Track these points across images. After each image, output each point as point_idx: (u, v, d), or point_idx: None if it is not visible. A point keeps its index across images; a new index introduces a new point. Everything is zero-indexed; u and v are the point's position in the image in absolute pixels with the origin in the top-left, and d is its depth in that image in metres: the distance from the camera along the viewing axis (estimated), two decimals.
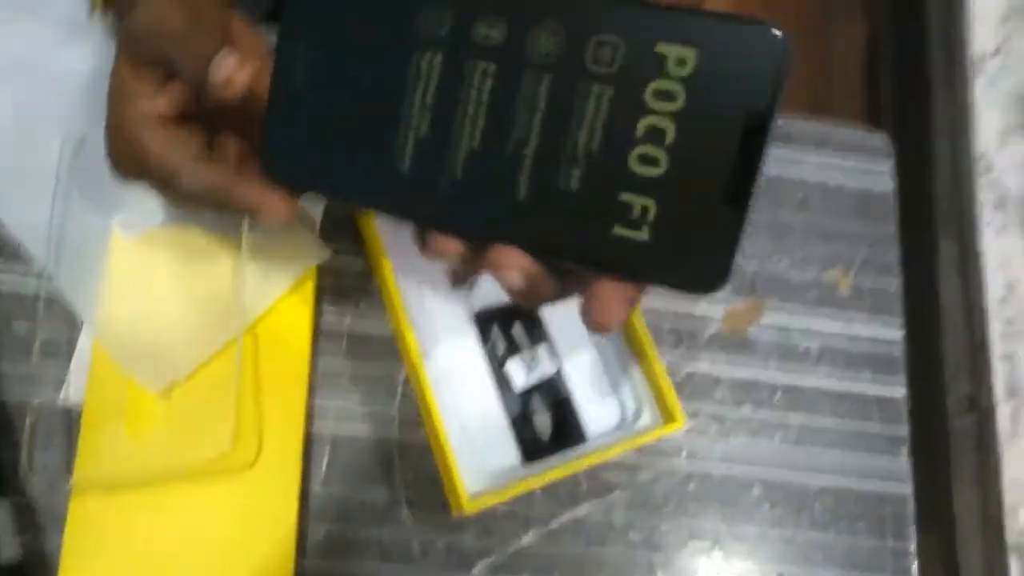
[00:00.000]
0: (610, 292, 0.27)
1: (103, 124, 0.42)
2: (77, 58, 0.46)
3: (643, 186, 0.25)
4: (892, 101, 1.23)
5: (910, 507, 0.46)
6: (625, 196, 0.26)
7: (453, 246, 0.28)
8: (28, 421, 0.40)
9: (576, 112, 0.26)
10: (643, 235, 0.26)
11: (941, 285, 0.99)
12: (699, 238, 0.25)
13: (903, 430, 0.48)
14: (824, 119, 0.54)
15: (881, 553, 0.45)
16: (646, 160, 0.25)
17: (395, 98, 0.27)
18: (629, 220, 0.26)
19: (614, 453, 0.39)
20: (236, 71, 0.31)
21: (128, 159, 0.34)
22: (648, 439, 0.40)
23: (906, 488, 0.47)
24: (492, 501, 0.37)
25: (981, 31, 0.99)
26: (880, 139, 0.54)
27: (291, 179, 0.30)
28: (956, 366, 0.93)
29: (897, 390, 0.48)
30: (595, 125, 0.26)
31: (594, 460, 0.39)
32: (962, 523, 0.90)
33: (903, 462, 0.47)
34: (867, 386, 0.48)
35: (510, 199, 0.27)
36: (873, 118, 1.26)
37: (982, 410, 0.88)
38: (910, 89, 1.14)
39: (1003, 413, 0.85)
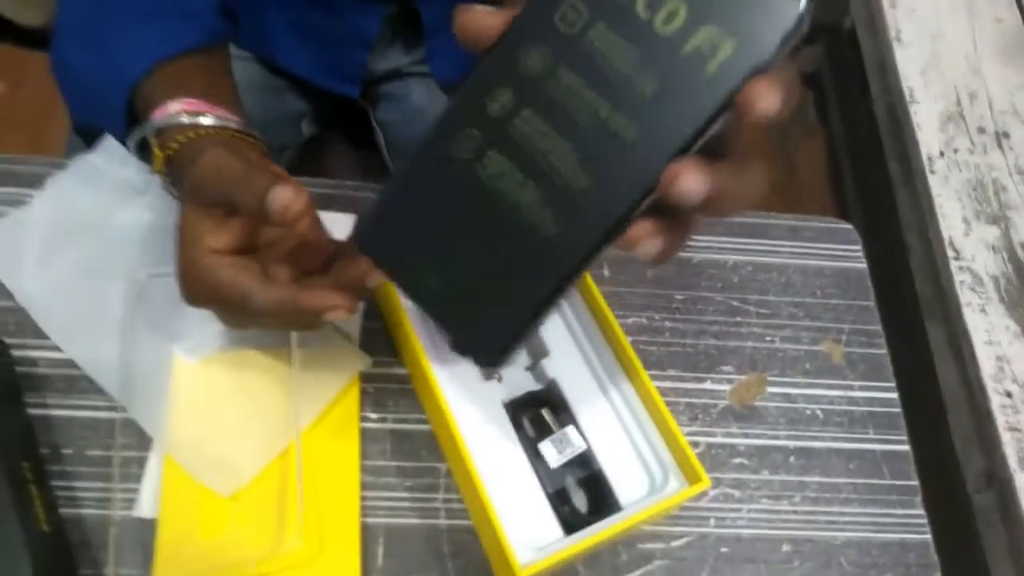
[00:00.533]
0: None
1: (161, 269, 0.49)
2: (133, 216, 0.53)
3: None
4: (857, 202, 1.33)
5: (932, 552, 0.49)
6: None
7: None
8: (107, 535, 0.43)
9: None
10: None
11: (938, 368, 1.04)
12: None
13: (913, 480, 0.51)
14: (794, 215, 0.61)
15: None
16: None
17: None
18: None
19: (649, 514, 0.42)
20: (292, 200, 0.37)
21: (202, 289, 0.40)
22: (678, 500, 0.43)
23: (926, 535, 0.49)
24: (545, 564, 0.40)
25: (926, 137, 1.10)
26: (846, 228, 0.60)
27: (371, 250, 0.34)
28: (966, 443, 0.96)
29: (901, 445, 0.52)
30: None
31: (632, 522, 0.42)
32: None
33: (918, 510, 0.50)
34: (873, 444, 0.52)
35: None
36: (842, 216, 1.35)
37: (1001, 483, 0.90)
38: (873, 191, 1.23)
39: (1020, 483, 0.87)
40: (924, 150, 1.08)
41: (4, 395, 0.45)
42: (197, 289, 0.40)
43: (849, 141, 1.46)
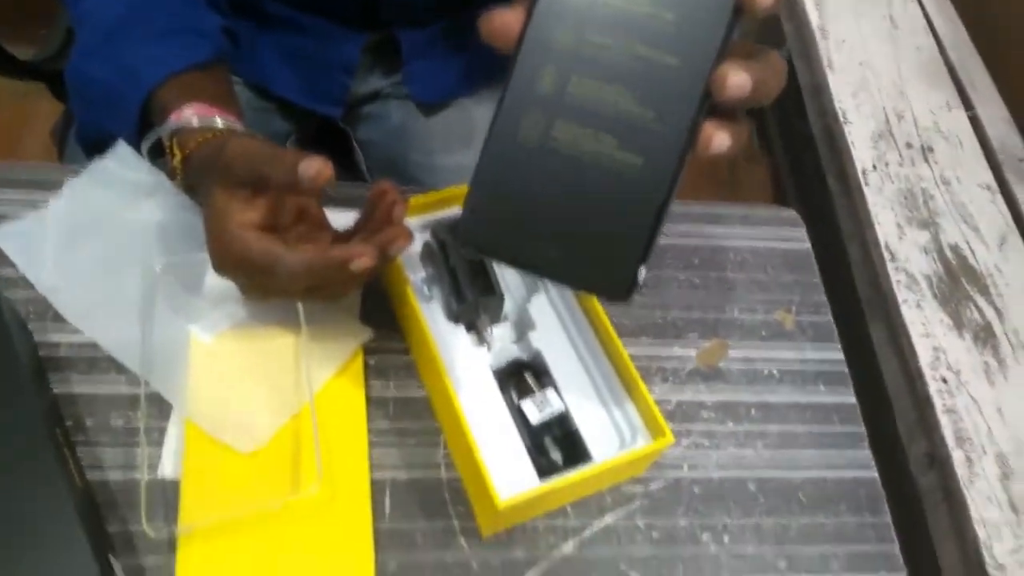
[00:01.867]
0: None
1: (175, 258, 0.53)
2: (145, 214, 0.57)
3: None
4: (801, 214, 1.43)
5: (879, 488, 0.55)
6: None
7: None
8: (138, 493, 0.46)
9: None
10: None
11: (881, 363, 1.11)
12: None
13: (860, 428, 0.57)
14: (745, 204, 0.68)
15: (863, 528, 0.53)
16: None
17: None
18: None
19: (615, 464, 0.47)
20: (323, 166, 0.42)
21: (232, 259, 0.45)
22: (643, 453, 0.48)
23: (873, 473, 0.55)
24: (520, 499, 0.44)
25: (860, 153, 1.19)
26: (790, 214, 0.67)
27: (478, 243, 0.37)
28: (910, 429, 1.03)
29: (848, 397, 0.58)
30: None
31: (598, 470, 0.46)
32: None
33: (866, 453, 0.56)
34: (824, 397, 0.58)
35: None
36: None
37: (941, 462, 0.97)
38: (815, 208, 1.33)
39: (958, 459, 0.94)
40: (859, 165, 1.18)
41: (31, 373, 0.49)
42: (228, 256, 0.45)
43: (791, 163, 1.56)
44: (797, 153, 1.51)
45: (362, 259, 0.43)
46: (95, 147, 0.59)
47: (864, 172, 1.17)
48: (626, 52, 0.34)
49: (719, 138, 0.34)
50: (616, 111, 0.34)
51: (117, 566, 0.44)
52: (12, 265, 0.53)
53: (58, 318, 0.52)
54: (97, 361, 0.51)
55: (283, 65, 0.76)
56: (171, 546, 0.45)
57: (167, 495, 0.47)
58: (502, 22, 0.35)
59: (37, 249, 0.54)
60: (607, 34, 0.34)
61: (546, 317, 0.55)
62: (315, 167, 0.42)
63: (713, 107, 0.34)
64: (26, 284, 0.53)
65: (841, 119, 1.22)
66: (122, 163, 0.57)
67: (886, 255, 1.10)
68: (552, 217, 0.35)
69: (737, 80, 0.33)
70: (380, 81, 0.80)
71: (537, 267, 0.36)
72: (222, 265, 0.46)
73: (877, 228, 1.12)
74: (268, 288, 0.46)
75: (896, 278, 1.08)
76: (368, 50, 0.76)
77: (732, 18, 0.33)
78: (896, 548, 0.52)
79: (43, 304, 0.53)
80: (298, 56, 0.75)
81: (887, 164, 1.18)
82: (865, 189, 1.16)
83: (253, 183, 0.45)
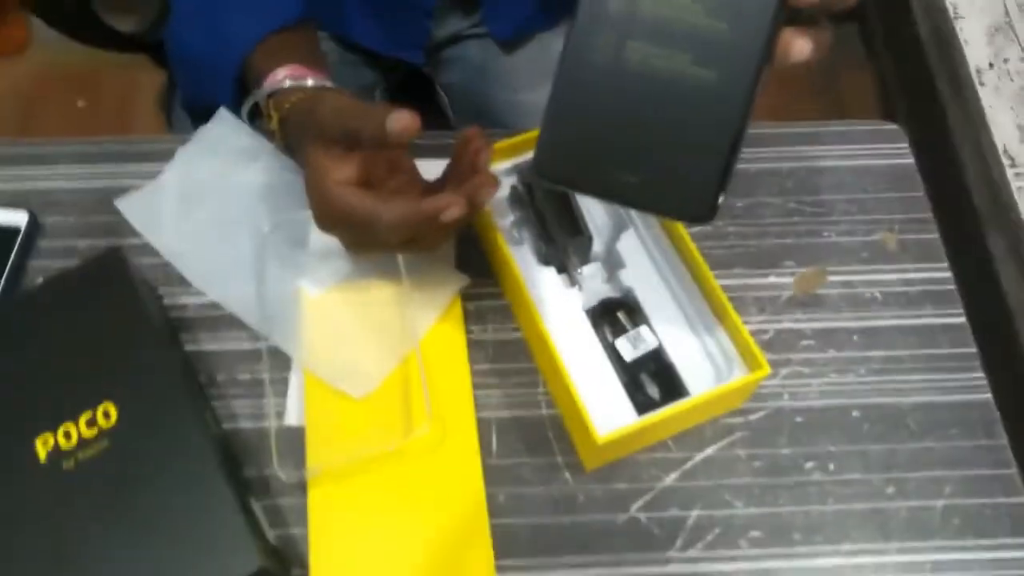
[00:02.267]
0: None
1: (282, 217, 0.56)
2: (250, 178, 0.60)
3: None
4: (908, 126, 1.34)
5: (993, 411, 0.53)
6: None
7: None
8: (265, 442, 0.50)
9: None
10: None
11: (1002, 277, 1.06)
12: None
13: (971, 347, 0.55)
14: (842, 120, 0.65)
15: (978, 452, 0.52)
16: None
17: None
18: None
19: (712, 397, 0.47)
20: (411, 119, 0.43)
21: (333, 214, 0.47)
22: (740, 384, 0.48)
23: (987, 394, 0.54)
24: (619, 434, 0.46)
25: (973, 51, 1.11)
26: (891, 128, 0.64)
27: (555, 175, 0.36)
28: None
29: (958, 318, 0.56)
30: None
31: (695, 403, 0.47)
32: None
33: (978, 375, 0.54)
34: (930, 319, 0.56)
35: None
36: None
37: None
38: (925, 114, 1.25)
39: None
40: (972, 64, 1.10)
41: (167, 333, 0.53)
42: (329, 214, 0.47)
43: (898, 69, 1.46)
44: (905, 57, 1.42)
45: (452, 209, 0.44)
46: (200, 113, 0.62)
47: (979, 72, 1.09)
48: None
49: (799, 45, 0.33)
50: (688, 26, 0.33)
51: (257, 507, 0.48)
52: (137, 235, 0.58)
53: (183, 281, 0.57)
54: (221, 320, 0.56)
55: (364, 14, 0.77)
56: (302, 487, 0.49)
57: (295, 441, 0.51)
58: None
59: (157, 217, 0.59)
60: None
61: (636, 254, 0.55)
62: (403, 121, 0.43)
63: (793, 14, 0.33)
64: (152, 251, 0.57)
65: (952, 14, 1.13)
66: (226, 128, 0.60)
67: (1005, 160, 1.03)
68: (629, 142, 0.34)
69: None
70: (460, 22, 0.80)
71: (615, 195, 0.36)
72: (324, 222, 0.48)
73: (994, 131, 1.05)
74: (368, 242, 0.49)
75: (1017, 184, 1.01)
76: None
77: None
78: (1015, 471, 0.51)
79: (169, 269, 0.57)
80: (378, 5, 0.76)
81: (1006, 61, 1.10)
82: (980, 90, 1.08)
83: (346, 140, 0.47)
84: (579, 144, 0.35)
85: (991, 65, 1.09)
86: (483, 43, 0.81)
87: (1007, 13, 1.13)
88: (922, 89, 1.26)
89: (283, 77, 0.53)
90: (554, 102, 0.35)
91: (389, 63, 0.82)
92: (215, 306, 0.56)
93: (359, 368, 0.52)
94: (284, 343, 0.54)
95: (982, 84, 1.08)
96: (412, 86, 0.87)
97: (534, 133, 0.55)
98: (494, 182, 0.47)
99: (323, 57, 0.57)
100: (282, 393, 0.53)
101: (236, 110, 0.58)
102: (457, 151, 0.50)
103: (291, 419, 0.52)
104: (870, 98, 1.50)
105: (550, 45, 0.80)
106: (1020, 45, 1.11)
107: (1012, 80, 1.08)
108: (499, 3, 0.77)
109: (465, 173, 0.48)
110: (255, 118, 0.58)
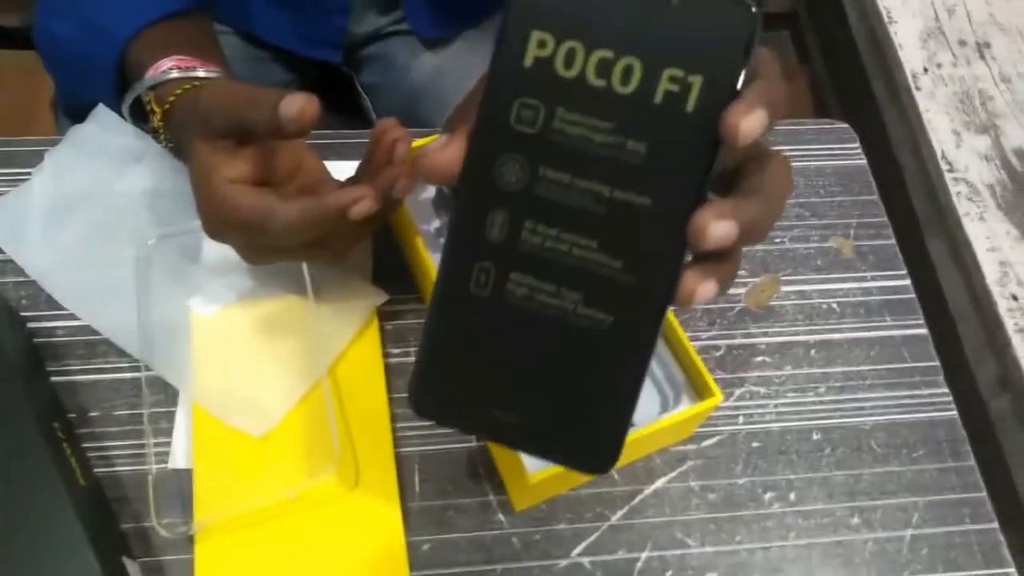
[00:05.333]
0: None
1: (169, 229, 0.49)
2: (134, 182, 0.52)
3: None
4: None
5: (960, 430, 0.49)
6: None
7: None
8: (147, 488, 0.43)
9: None
10: None
11: (943, 282, 1.04)
12: None
13: (934, 361, 0.51)
14: (791, 120, 0.61)
15: (945, 475, 0.48)
16: None
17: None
18: None
19: (654, 430, 0.42)
20: (307, 102, 0.37)
21: (223, 219, 0.40)
22: (686, 416, 0.43)
23: (952, 412, 0.50)
24: (551, 472, 0.40)
25: (908, 55, 1.10)
26: (842, 127, 0.60)
27: (432, 414, 0.31)
28: (978, 351, 0.97)
29: (919, 329, 0.52)
30: None
31: (635, 436, 0.42)
32: None
33: (942, 389, 0.50)
34: (891, 330, 0.52)
35: None
36: None
37: (1015, 385, 0.90)
38: (862, 118, 1.23)
39: None
40: (908, 68, 1.08)
41: (26, 366, 0.45)
42: (218, 218, 0.40)
43: (832, 74, 1.46)
44: (839, 62, 1.41)
45: (362, 203, 0.38)
46: (82, 115, 0.54)
47: (914, 76, 1.08)
48: (587, 193, 0.27)
49: (703, 289, 0.28)
50: (578, 261, 0.28)
51: (133, 567, 0.41)
52: None
53: (52, 302, 0.49)
54: (97, 345, 0.48)
55: (275, 10, 0.70)
56: (189, 542, 0.42)
57: (182, 486, 0.44)
58: (440, 158, 0.29)
59: (22, 229, 0.50)
60: (564, 172, 0.27)
61: None
62: (297, 105, 0.37)
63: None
64: (15, 269, 0.49)
65: (885, 19, 1.12)
66: (105, 128, 0.53)
67: (943, 165, 1.01)
68: (515, 383, 0.29)
69: (719, 232, 0.27)
70: (380, 19, 0.74)
71: (501, 437, 0.31)
72: (212, 226, 0.41)
73: (932, 136, 1.04)
74: (266, 248, 0.42)
75: (956, 189, 0.99)
76: None
77: (712, 151, 0.27)
78: (984, 496, 0.47)
79: (34, 287, 0.49)
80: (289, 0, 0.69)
81: (939, 65, 1.09)
82: (916, 94, 1.06)
83: (236, 132, 0.40)
84: (459, 381, 0.30)
85: (926, 70, 1.08)
86: (406, 41, 0.75)
87: (937, 18, 1.13)
88: (859, 94, 1.25)
89: (168, 67, 0.45)
90: (431, 332, 0.30)
91: (304, 61, 0.75)
92: (90, 330, 0.48)
93: (257, 401, 0.45)
94: (169, 373, 0.46)
95: (918, 88, 1.06)
96: (330, 86, 0.80)
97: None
98: (413, 175, 0.41)
99: (218, 48, 0.50)
100: (167, 432, 0.45)
101: (117, 106, 0.51)
102: (372, 143, 0.43)
103: (177, 462, 0.44)
104: (804, 104, 1.49)
105: (477, 44, 0.75)
106: (951, 51, 1.10)
107: (946, 85, 1.07)
108: (420, 0, 0.72)
109: (380, 166, 0.42)
110: (139, 116, 0.51)
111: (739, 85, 0.26)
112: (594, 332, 0.29)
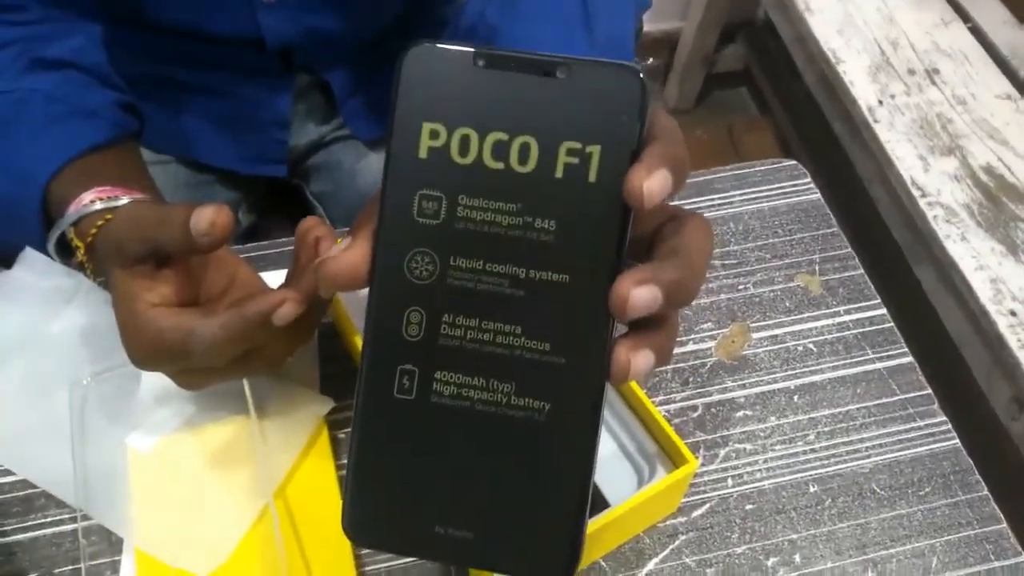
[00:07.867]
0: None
1: (103, 366, 0.47)
2: (66, 323, 0.51)
3: None
4: (817, 175, 1.33)
5: (964, 457, 0.45)
6: None
7: None
8: None
9: None
10: None
11: (938, 309, 1.01)
12: None
13: (925, 389, 0.48)
14: (737, 163, 0.59)
15: (959, 509, 0.44)
16: None
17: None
18: None
19: (633, 505, 0.39)
20: (216, 212, 0.35)
21: (146, 345, 0.38)
22: (665, 485, 0.39)
23: (953, 440, 0.46)
24: None
25: (860, 91, 1.10)
26: (790, 164, 0.59)
27: (369, 540, 0.29)
28: (988, 374, 0.93)
29: (903, 358, 0.49)
30: None
31: (612, 516, 0.38)
32: None
33: (939, 418, 0.47)
34: (874, 363, 0.49)
35: None
36: None
37: None
38: (828, 160, 1.23)
39: None
40: (862, 103, 1.08)
41: None
42: (141, 345, 0.38)
43: (793, 121, 1.47)
44: (797, 110, 1.42)
45: (284, 307, 0.36)
46: (8, 259, 0.53)
47: (870, 109, 1.08)
48: (502, 278, 0.27)
49: (639, 361, 0.27)
50: (504, 349, 0.27)
51: None
52: None
53: None
54: (34, 499, 0.45)
55: (212, 133, 0.70)
56: None
57: None
58: (342, 263, 0.28)
59: None
60: (474, 260, 0.27)
61: None
62: (207, 217, 0.35)
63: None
64: None
65: (832, 60, 1.13)
66: (33, 271, 0.51)
67: (915, 191, 1.00)
68: (454, 492, 0.27)
69: (642, 298, 0.26)
70: (320, 127, 0.74)
71: (449, 556, 0.29)
72: (138, 355, 0.39)
73: (897, 164, 1.03)
74: (194, 370, 0.39)
75: (932, 213, 0.98)
76: (299, 99, 0.70)
77: (623, 218, 0.26)
78: (1005, 528, 0.43)
79: None
80: (225, 121, 0.69)
81: (893, 96, 1.09)
82: (875, 127, 1.06)
83: (151, 254, 0.38)
84: (392, 497, 0.28)
85: (880, 102, 1.08)
86: (350, 145, 0.74)
87: (883, 52, 1.14)
88: (821, 137, 1.25)
89: (90, 200, 0.44)
90: (355, 446, 0.28)
91: (251, 179, 0.74)
92: (26, 484, 0.45)
93: (202, 538, 0.41)
94: (109, 519, 0.43)
95: (876, 121, 1.06)
96: (282, 199, 0.80)
97: None
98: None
99: (145, 175, 0.50)
100: None
101: (45, 249, 0.50)
102: (296, 243, 0.41)
103: None
104: (773, 155, 1.50)
105: None
106: (903, 81, 1.11)
107: (903, 114, 1.07)
108: (358, 103, 0.72)
109: (305, 267, 0.40)
110: (67, 255, 0.49)
111: (637, 149, 0.26)
112: (532, 424, 0.27)
